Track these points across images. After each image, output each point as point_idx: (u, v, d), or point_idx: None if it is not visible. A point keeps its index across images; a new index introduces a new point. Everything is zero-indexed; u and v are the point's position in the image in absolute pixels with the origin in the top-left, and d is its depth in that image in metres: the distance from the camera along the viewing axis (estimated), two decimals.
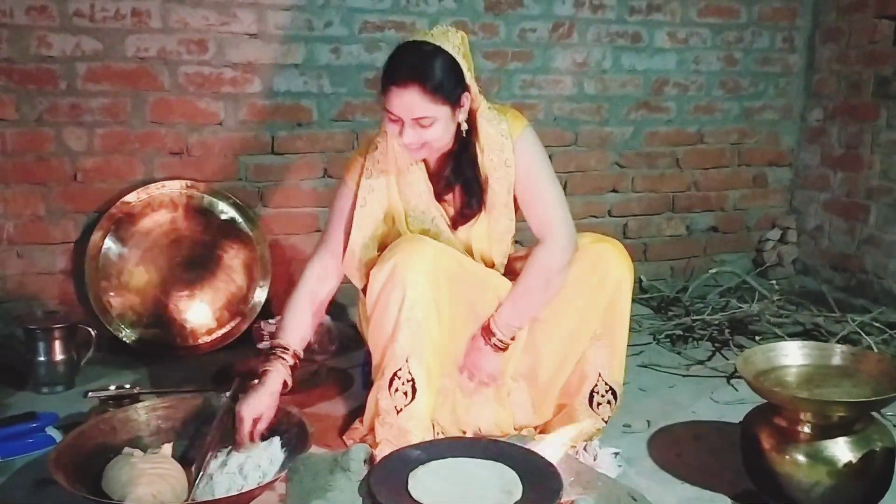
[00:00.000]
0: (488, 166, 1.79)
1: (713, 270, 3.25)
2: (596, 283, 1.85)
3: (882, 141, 3.12)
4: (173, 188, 2.64)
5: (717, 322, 2.85)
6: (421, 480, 1.13)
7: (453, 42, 1.69)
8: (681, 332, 2.84)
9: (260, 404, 1.77)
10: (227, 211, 2.70)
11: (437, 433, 1.85)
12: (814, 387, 1.77)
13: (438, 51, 1.66)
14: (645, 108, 3.25)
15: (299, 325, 1.86)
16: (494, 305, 1.85)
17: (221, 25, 2.63)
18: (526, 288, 1.81)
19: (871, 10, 3.12)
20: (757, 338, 2.78)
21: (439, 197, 1.84)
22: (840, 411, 1.67)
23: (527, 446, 1.32)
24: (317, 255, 1.92)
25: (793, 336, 2.77)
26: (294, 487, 1.16)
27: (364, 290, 1.83)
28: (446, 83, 1.66)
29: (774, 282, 2.98)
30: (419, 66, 1.63)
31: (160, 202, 2.63)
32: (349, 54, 2.79)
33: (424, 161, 1.82)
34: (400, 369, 1.74)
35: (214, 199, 2.69)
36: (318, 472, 1.16)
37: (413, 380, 1.73)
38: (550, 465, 1.18)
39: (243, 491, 1.62)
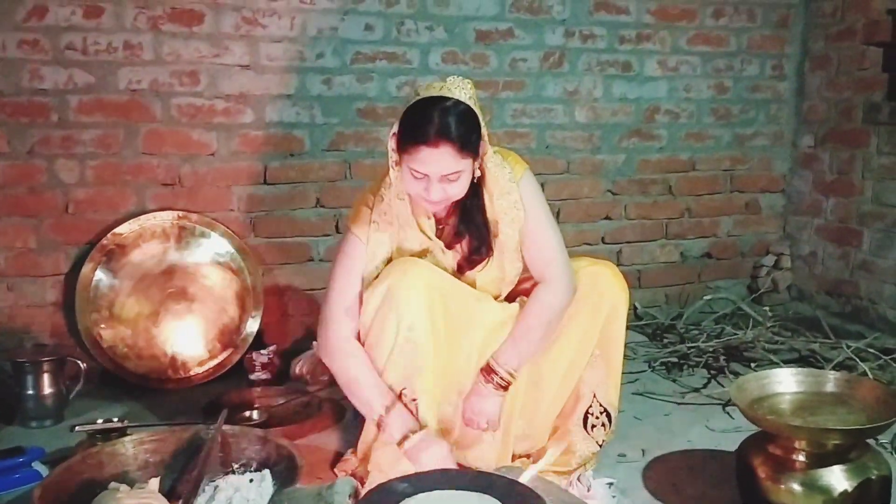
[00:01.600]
0: (498, 211, 1.80)
1: (708, 297, 3.24)
2: (593, 306, 1.86)
3: (873, 166, 3.13)
4: (165, 219, 2.64)
5: (712, 349, 2.83)
6: None
7: (467, 92, 1.69)
8: (676, 360, 2.82)
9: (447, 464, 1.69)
10: (219, 241, 2.69)
11: None
12: (808, 414, 1.76)
13: (459, 104, 1.66)
14: (637, 135, 3.26)
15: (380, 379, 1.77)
16: (490, 327, 1.83)
17: (213, 57, 2.65)
18: (528, 327, 1.81)
19: (859, 37, 3.15)
20: (752, 364, 2.76)
21: (447, 246, 1.84)
22: (835, 439, 1.66)
23: (516, 477, 1.30)
24: (342, 319, 1.79)
25: (788, 363, 2.75)
26: None
27: None
28: (472, 137, 1.66)
29: (768, 308, 2.98)
30: (448, 123, 1.62)
31: (152, 233, 2.63)
32: (341, 85, 2.81)
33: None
34: (404, 388, 1.73)
35: (206, 230, 2.68)
36: None
37: (415, 400, 1.72)
38: (539, 498, 1.16)
39: None
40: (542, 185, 3.03)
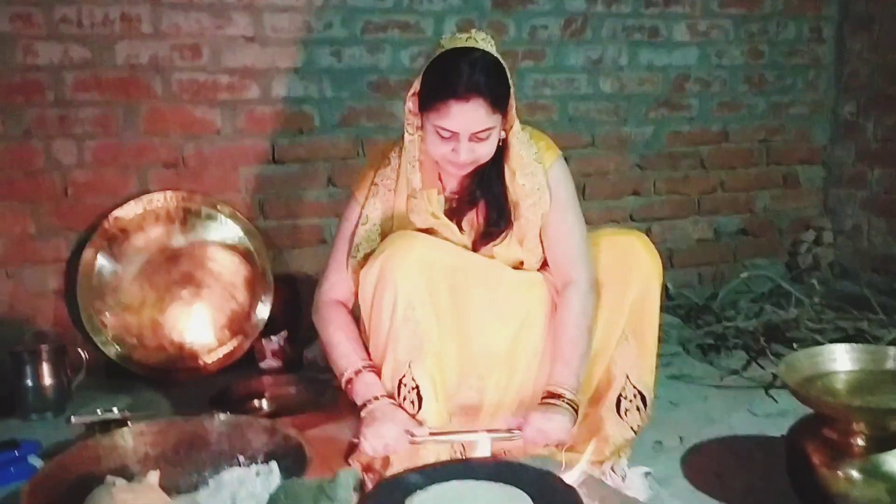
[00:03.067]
0: (519, 192, 1.67)
1: (745, 275, 3.05)
2: (622, 277, 1.71)
3: None
4: (169, 201, 2.52)
5: (751, 329, 2.66)
6: None
7: (493, 46, 1.57)
8: (712, 342, 2.66)
9: (397, 444, 1.53)
10: (226, 224, 2.57)
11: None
12: (866, 394, 1.60)
13: (487, 55, 1.53)
14: (665, 106, 3.09)
15: (357, 345, 1.68)
16: (507, 295, 1.69)
17: (216, 29, 2.52)
18: (573, 340, 1.65)
19: None
20: (795, 345, 2.59)
21: (458, 216, 1.70)
22: None
23: (545, 467, 1.15)
24: (331, 284, 1.74)
25: (834, 343, 2.58)
26: None
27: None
28: (503, 91, 1.54)
29: (815, 282, 2.78)
30: (480, 76, 1.50)
31: (156, 216, 2.51)
32: (351, 57, 2.67)
33: (440, 181, 1.70)
34: (404, 376, 1.59)
35: (213, 212, 2.56)
36: (300, 503, 1.00)
37: (417, 387, 1.58)
38: (570, 489, 1.01)
39: None
40: (566, 160, 2.94)
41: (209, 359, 2.51)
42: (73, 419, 1.90)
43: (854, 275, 3.25)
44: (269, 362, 2.45)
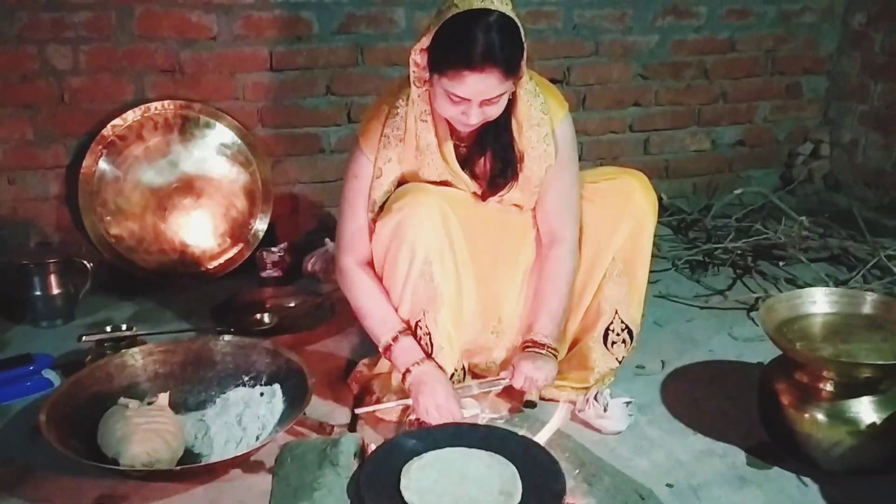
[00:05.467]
0: (525, 143, 1.67)
1: (738, 191, 3.08)
2: (615, 217, 1.76)
3: None
4: (167, 109, 2.49)
5: (739, 252, 2.72)
6: (414, 478, 1.06)
7: (507, 2, 1.48)
8: (701, 259, 2.72)
9: (449, 403, 1.59)
10: (224, 132, 2.56)
11: (457, 377, 1.77)
12: (840, 341, 1.67)
13: (503, 17, 1.46)
14: (672, 13, 2.99)
15: (389, 309, 1.70)
16: (519, 244, 1.77)
17: None
18: (561, 297, 1.74)
19: None
20: (780, 263, 2.67)
21: (468, 165, 1.71)
22: (867, 372, 1.58)
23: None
24: (352, 245, 1.71)
25: (818, 261, 2.66)
26: (280, 484, 1.08)
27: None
28: (518, 56, 1.50)
29: (804, 219, 2.81)
30: (496, 45, 1.44)
31: (154, 123, 2.49)
32: None
33: (449, 128, 1.67)
34: (420, 320, 1.67)
35: (211, 120, 2.54)
36: (305, 467, 1.08)
37: (430, 334, 1.66)
38: (554, 461, 1.10)
39: (243, 452, 1.57)
40: (568, 70, 2.90)
41: (211, 265, 2.57)
42: (83, 338, 1.98)
43: (846, 188, 3.28)
44: (270, 272, 2.51)
